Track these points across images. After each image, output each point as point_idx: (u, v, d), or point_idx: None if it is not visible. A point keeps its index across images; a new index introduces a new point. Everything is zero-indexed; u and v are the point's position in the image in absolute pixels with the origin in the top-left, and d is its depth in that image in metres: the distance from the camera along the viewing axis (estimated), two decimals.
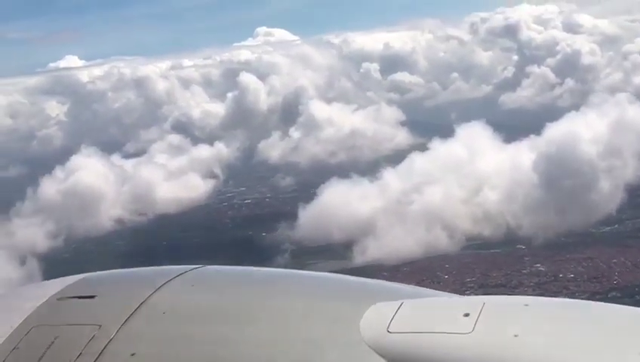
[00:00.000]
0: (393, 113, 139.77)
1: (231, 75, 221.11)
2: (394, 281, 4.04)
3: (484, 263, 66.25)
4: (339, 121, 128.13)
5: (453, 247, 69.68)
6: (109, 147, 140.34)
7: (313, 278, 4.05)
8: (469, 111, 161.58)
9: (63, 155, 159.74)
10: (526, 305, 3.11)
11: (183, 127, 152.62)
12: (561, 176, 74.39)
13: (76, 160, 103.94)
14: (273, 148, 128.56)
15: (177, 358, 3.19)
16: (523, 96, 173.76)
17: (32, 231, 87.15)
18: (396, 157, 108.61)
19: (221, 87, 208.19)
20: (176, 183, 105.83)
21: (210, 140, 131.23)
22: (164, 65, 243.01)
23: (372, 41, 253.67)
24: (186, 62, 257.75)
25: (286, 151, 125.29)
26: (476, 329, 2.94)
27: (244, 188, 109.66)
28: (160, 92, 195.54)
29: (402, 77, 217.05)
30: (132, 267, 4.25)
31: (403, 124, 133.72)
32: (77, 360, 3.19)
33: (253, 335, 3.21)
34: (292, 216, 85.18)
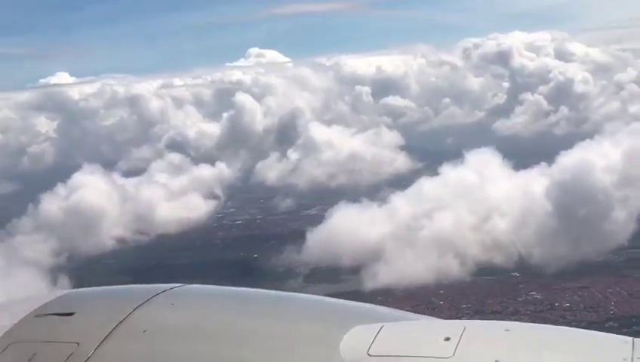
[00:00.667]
0: (392, 137, 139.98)
1: (223, 95, 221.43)
2: (383, 305, 4.02)
3: (479, 289, 66.21)
4: (338, 143, 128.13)
5: (460, 274, 69.49)
6: (102, 165, 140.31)
7: (294, 299, 4.02)
8: (464, 136, 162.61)
9: (54, 172, 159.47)
10: (507, 330, 3.11)
11: (179, 146, 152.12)
12: (572, 205, 74.38)
13: (77, 177, 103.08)
14: (271, 170, 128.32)
15: None
16: (518, 123, 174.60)
17: (33, 249, 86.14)
18: (396, 182, 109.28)
19: (213, 106, 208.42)
20: (177, 203, 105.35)
21: (206, 160, 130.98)
22: (155, 83, 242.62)
23: (364, 64, 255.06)
24: (177, 81, 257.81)
25: (284, 173, 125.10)
26: (457, 354, 2.93)
27: (243, 209, 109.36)
28: (153, 110, 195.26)
29: (394, 101, 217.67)
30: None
31: (402, 148, 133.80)
32: None
33: (233, 356, 3.19)
34: (297, 239, 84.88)
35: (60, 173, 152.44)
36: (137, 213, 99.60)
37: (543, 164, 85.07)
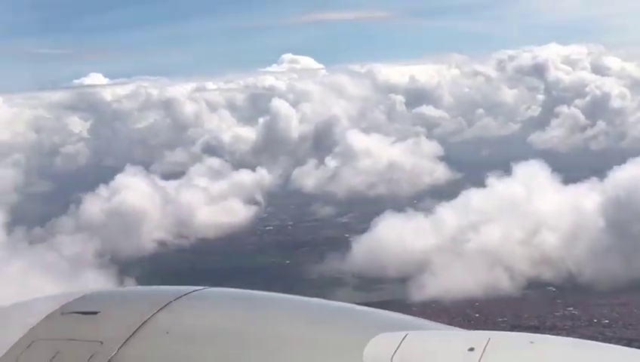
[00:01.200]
0: (431, 147, 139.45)
1: (256, 100, 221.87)
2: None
3: (520, 303, 65.66)
4: (376, 152, 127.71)
5: (506, 288, 68.92)
6: (135, 167, 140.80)
7: (318, 305, 3.99)
8: (500, 148, 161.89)
9: (88, 172, 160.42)
10: (531, 342, 3.09)
11: (214, 150, 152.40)
12: (625, 221, 73.57)
13: (120, 178, 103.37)
14: (309, 177, 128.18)
15: None
16: (554, 136, 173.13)
17: (74, 248, 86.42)
18: (437, 192, 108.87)
19: (247, 111, 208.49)
20: (217, 207, 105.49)
21: (241, 165, 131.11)
22: (188, 87, 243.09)
23: (397, 73, 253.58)
24: (210, 85, 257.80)
25: (322, 180, 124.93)
26: None
27: (282, 215, 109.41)
28: (187, 114, 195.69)
29: (428, 110, 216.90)
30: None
31: (440, 158, 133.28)
32: None
33: (255, 361, 3.19)
34: (338, 246, 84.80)
35: (93, 173, 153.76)
36: (178, 217, 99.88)
37: (594, 178, 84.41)
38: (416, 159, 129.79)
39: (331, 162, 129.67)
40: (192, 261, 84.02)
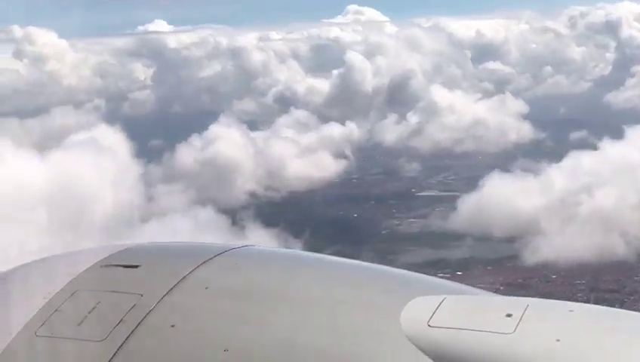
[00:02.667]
0: (515, 105, 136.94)
1: (321, 52, 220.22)
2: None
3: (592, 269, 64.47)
4: (461, 108, 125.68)
5: (620, 253, 67.52)
6: (203, 116, 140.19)
7: (356, 267, 3.98)
8: (576, 106, 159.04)
9: (156, 118, 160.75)
10: (571, 310, 3.07)
11: (287, 102, 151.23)
12: None
13: (213, 128, 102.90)
14: (391, 132, 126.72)
15: (216, 333, 3.19)
16: (636, 95, 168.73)
17: (174, 198, 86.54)
18: (527, 151, 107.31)
19: (312, 62, 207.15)
20: (306, 160, 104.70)
21: (323, 118, 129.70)
22: (251, 36, 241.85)
23: (463, 27, 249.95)
24: (274, 35, 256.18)
25: (404, 135, 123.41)
26: (518, 331, 2.91)
27: (373, 170, 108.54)
28: (255, 63, 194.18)
29: (495, 66, 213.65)
30: None
31: (524, 117, 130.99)
32: (117, 327, 3.20)
33: (293, 319, 3.20)
34: (441, 203, 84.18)
35: (162, 120, 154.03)
36: (269, 169, 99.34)
37: None
38: (501, 117, 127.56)
39: (413, 117, 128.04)
40: (282, 213, 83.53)
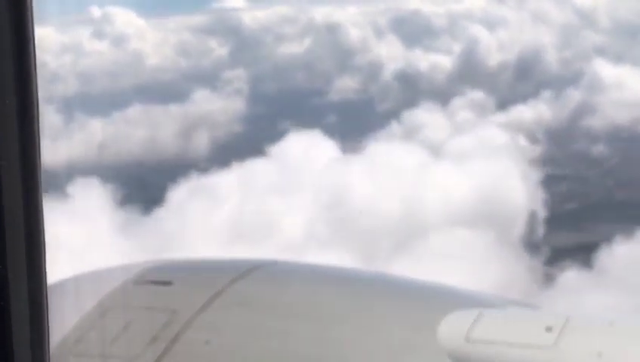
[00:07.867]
0: None
1: (404, 24, 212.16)
2: None
3: None
4: (630, 84, 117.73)
5: None
6: (307, 94, 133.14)
7: (393, 281, 3.89)
8: None
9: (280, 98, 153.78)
10: (611, 323, 3.03)
11: (408, 80, 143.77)
12: None
13: (416, 114, 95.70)
14: (550, 111, 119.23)
15: (251, 350, 3.18)
16: None
17: None
18: None
19: (403, 36, 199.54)
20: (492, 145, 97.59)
21: (440, 96, 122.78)
22: (326, 10, 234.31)
23: None
24: (352, 10, 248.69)
25: (567, 114, 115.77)
26: (558, 345, 2.86)
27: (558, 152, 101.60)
28: (352, 38, 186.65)
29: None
30: None
31: None
32: (151, 345, 3.16)
33: (327, 335, 3.15)
34: None
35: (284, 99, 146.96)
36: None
37: None
38: None
39: (574, 93, 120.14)
40: None
